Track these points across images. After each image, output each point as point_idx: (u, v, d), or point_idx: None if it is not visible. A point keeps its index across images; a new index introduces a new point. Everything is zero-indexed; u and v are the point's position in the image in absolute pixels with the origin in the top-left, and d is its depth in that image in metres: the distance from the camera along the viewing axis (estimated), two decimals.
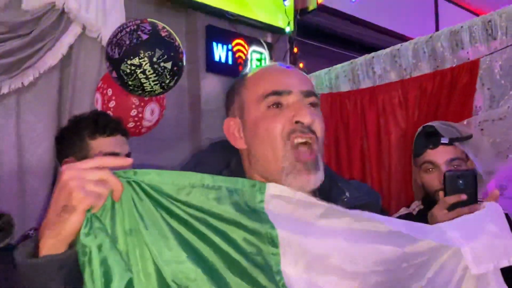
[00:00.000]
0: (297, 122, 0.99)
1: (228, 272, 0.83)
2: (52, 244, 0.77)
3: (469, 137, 1.83)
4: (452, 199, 1.31)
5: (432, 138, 1.76)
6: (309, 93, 1.04)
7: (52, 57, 2.66)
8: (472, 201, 1.28)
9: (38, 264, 0.77)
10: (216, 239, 0.84)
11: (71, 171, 0.78)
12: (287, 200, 0.89)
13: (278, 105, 1.01)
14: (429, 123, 1.87)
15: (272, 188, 0.89)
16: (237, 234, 0.85)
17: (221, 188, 0.86)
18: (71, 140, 1.59)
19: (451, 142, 1.75)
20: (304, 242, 0.87)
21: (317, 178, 0.99)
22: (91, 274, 0.76)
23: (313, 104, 1.04)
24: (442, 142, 1.74)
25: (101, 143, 1.54)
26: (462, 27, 2.33)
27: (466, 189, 1.30)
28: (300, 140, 0.99)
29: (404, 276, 0.92)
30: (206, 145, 1.19)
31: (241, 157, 1.10)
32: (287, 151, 0.98)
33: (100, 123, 1.57)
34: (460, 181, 1.31)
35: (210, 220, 0.84)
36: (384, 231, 0.91)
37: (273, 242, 0.86)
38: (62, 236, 0.77)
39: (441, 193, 1.36)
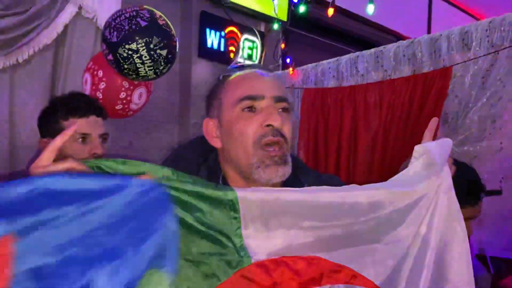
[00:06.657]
0: (268, 125, 1.09)
1: (194, 239, 0.87)
2: None
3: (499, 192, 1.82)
4: None
5: (474, 192, 1.56)
6: (280, 99, 1.12)
7: (47, 36, 2.74)
8: None
9: None
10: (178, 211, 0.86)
11: (39, 170, 0.80)
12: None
13: (251, 108, 1.11)
14: (463, 165, 1.58)
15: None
16: (198, 205, 0.87)
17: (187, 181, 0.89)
18: (47, 121, 1.65)
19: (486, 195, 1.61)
20: (262, 196, 0.91)
21: (285, 171, 1.08)
22: None
23: (284, 109, 1.13)
24: (481, 198, 1.56)
25: (73, 124, 1.52)
26: (441, 35, 2.44)
27: None
28: (270, 142, 1.09)
29: (362, 231, 0.94)
30: (194, 129, 1.26)
31: (218, 154, 1.21)
32: (257, 150, 1.08)
33: (72, 105, 1.62)
34: None
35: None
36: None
37: (234, 206, 0.89)
38: None
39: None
